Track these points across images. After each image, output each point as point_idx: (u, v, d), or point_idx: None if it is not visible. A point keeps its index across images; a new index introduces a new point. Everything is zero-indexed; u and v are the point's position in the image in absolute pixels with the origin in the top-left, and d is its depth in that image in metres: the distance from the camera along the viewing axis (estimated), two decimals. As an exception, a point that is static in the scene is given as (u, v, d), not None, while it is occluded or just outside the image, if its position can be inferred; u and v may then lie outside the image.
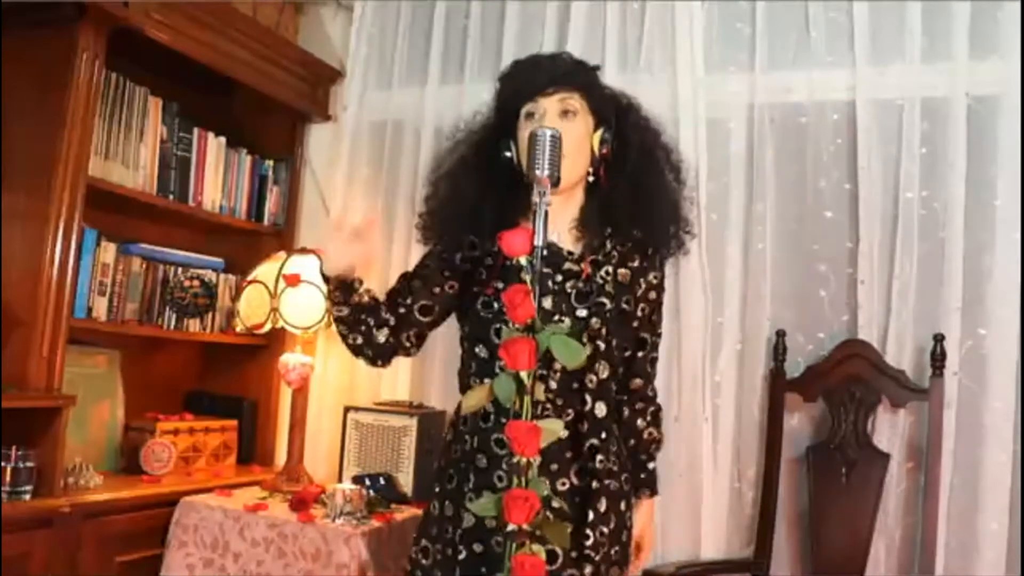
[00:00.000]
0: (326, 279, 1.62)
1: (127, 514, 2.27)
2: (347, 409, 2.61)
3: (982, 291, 2.22)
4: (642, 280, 1.64)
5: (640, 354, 1.69)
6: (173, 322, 2.65)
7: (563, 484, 1.53)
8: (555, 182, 1.40)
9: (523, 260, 1.29)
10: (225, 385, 2.92)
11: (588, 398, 1.54)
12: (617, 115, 1.64)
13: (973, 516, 2.17)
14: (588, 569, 1.50)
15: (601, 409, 1.56)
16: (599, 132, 1.60)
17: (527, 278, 1.27)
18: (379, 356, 1.64)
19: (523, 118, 1.57)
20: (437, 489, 1.62)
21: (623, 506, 1.60)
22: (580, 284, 1.56)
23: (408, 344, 1.64)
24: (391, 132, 2.90)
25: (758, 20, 2.45)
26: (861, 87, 2.33)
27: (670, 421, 2.30)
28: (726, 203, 2.48)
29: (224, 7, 2.59)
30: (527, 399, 1.25)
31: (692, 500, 2.40)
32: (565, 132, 1.45)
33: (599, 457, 1.54)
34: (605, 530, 1.54)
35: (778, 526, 2.32)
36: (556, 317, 1.52)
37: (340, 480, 2.53)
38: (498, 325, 1.50)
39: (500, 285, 1.53)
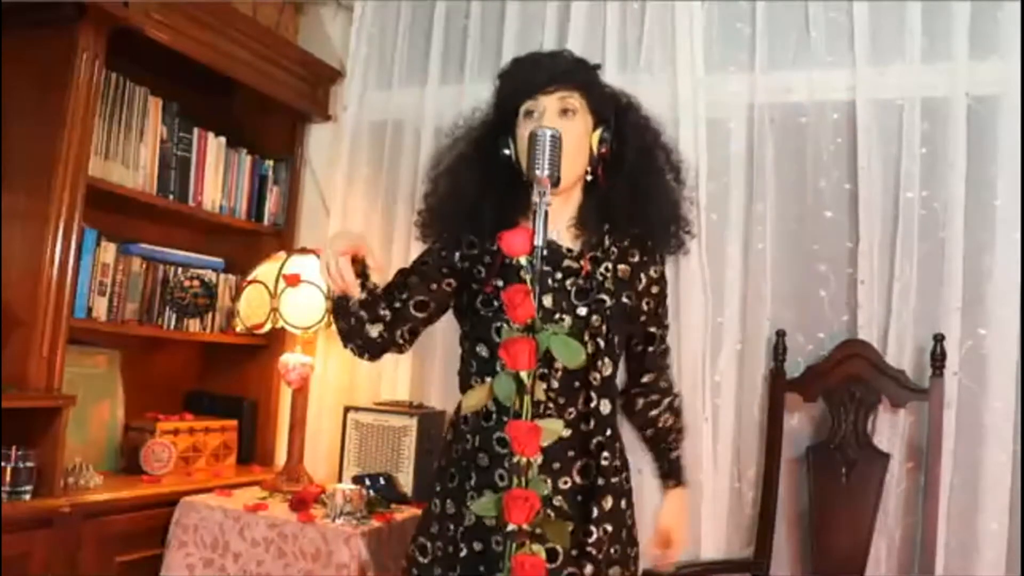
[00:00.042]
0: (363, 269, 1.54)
1: (127, 514, 2.27)
2: (347, 409, 2.61)
3: (982, 291, 2.22)
4: (643, 275, 1.64)
5: (650, 349, 1.70)
6: (173, 322, 2.65)
7: (565, 483, 1.53)
8: (555, 182, 1.40)
9: (523, 260, 1.29)
10: (225, 385, 2.93)
11: (593, 395, 1.54)
12: (616, 114, 1.64)
13: (973, 516, 2.17)
14: (588, 568, 1.50)
15: (606, 406, 1.56)
16: (598, 131, 1.60)
17: (527, 278, 1.27)
18: (368, 350, 1.62)
19: (522, 116, 1.57)
20: (438, 488, 1.62)
21: (624, 504, 1.60)
22: (580, 281, 1.56)
23: (401, 340, 1.63)
24: (391, 132, 2.90)
25: (758, 20, 2.45)
26: (861, 87, 2.33)
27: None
28: (726, 203, 2.48)
29: (224, 7, 2.59)
30: (527, 399, 1.25)
31: (692, 500, 2.38)
32: (564, 131, 1.45)
33: (605, 454, 1.54)
34: (609, 528, 1.54)
35: (778, 526, 2.32)
36: (556, 315, 1.52)
37: (340, 480, 2.53)
38: (499, 323, 1.49)
39: (500, 283, 1.53)
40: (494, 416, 1.52)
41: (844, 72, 2.37)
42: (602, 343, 1.54)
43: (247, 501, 2.31)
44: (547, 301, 1.50)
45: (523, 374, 1.25)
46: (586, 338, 1.51)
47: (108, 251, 2.44)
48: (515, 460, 1.24)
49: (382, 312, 1.58)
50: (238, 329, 2.66)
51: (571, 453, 1.53)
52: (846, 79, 2.36)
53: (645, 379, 1.72)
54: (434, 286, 1.62)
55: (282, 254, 2.65)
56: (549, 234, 1.42)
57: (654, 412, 1.73)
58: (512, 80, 1.61)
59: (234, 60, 2.63)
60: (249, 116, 2.99)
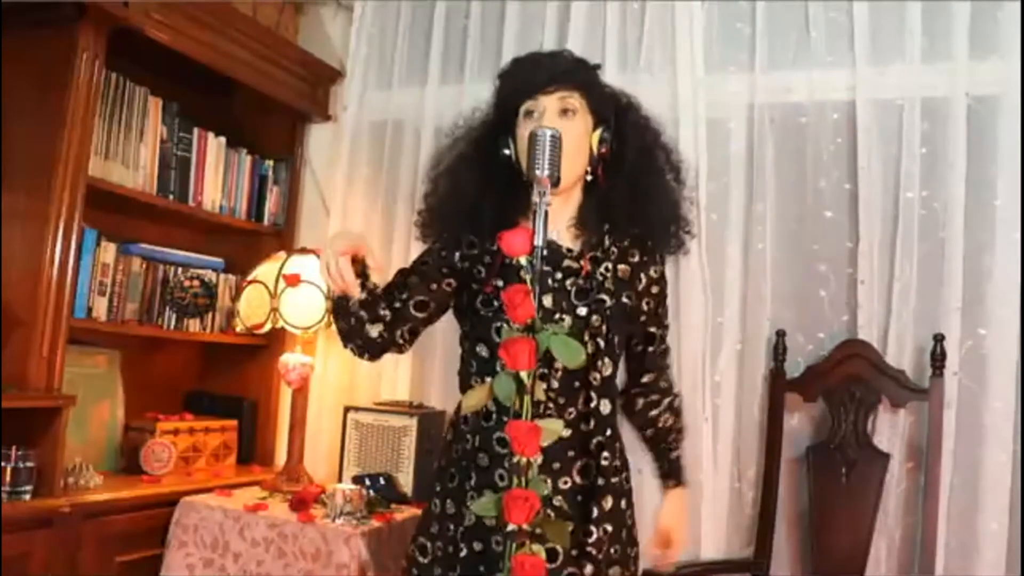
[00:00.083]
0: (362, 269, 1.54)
1: (127, 514, 2.27)
2: (347, 409, 2.61)
3: (982, 291, 2.22)
4: (643, 275, 1.64)
5: (650, 349, 1.70)
6: (173, 322, 2.65)
7: (565, 483, 1.53)
8: (555, 182, 1.40)
9: (523, 260, 1.29)
10: (225, 385, 2.93)
11: (593, 395, 1.54)
12: (616, 114, 1.64)
13: (973, 516, 2.17)
14: (588, 568, 1.50)
15: (606, 406, 1.56)
16: (598, 131, 1.59)
17: (527, 278, 1.27)
18: (368, 350, 1.62)
19: (522, 116, 1.57)
20: (438, 488, 1.62)
21: (623, 504, 1.60)
22: (580, 281, 1.56)
23: (401, 340, 1.62)
24: (391, 132, 2.90)
25: (758, 20, 2.45)
26: (861, 87, 2.33)
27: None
28: (726, 203, 2.48)
29: (224, 7, 2.59)
30: (527, 399, 1.25)
31: (692, 500, 2.38)
32: (564, 131, 1.45)
33: (605, 454, 1.54)
34: (609, 528, 1.54)
35: (778, 526, 2.32)
36: (556, 315, 1.52)
37: (340, 480, 2.53)
38: (499, 323, 1.49)
39: (500, 283, 1.53)
40: (494, 416, 1.52)
41: (844, 72, 2.37)
42: (602, 343, 1.54)
43: (247, 501, 2.31)
44: (547, 301, 1.50)
45: (523, 374, 1.25)
46: (586, 338, 1.51)
47: (108, 251, 2.44)
48: (515, 460, 1.24)
49: (382, 312, 1.58)
50: (238, 329, 2.66)
51: (571, 453, 1.53)
52: (846, 79, 2.36)
53: (645, 379, 1.72)
54: (434, 286, 1.62)
55: (282, 254, 2.65)
56: (549, 234, 1.42)
57: (654, 412, 1.74)
58: (512, 80, 1.61)
59: (234, 60, 2.63)
60: (249, 116, 2.99)
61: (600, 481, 1.53)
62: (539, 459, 1.25)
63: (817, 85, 2.40)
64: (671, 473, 1.77)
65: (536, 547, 1.25)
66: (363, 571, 2.08)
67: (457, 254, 1.63)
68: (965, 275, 2.22)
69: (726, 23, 2.52)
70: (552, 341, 1.28)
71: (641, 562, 1.67)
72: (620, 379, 1.71)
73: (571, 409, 1.54)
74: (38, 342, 2.13)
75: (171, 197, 2.61)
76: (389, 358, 1.94)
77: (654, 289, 1.66)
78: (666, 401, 1.75)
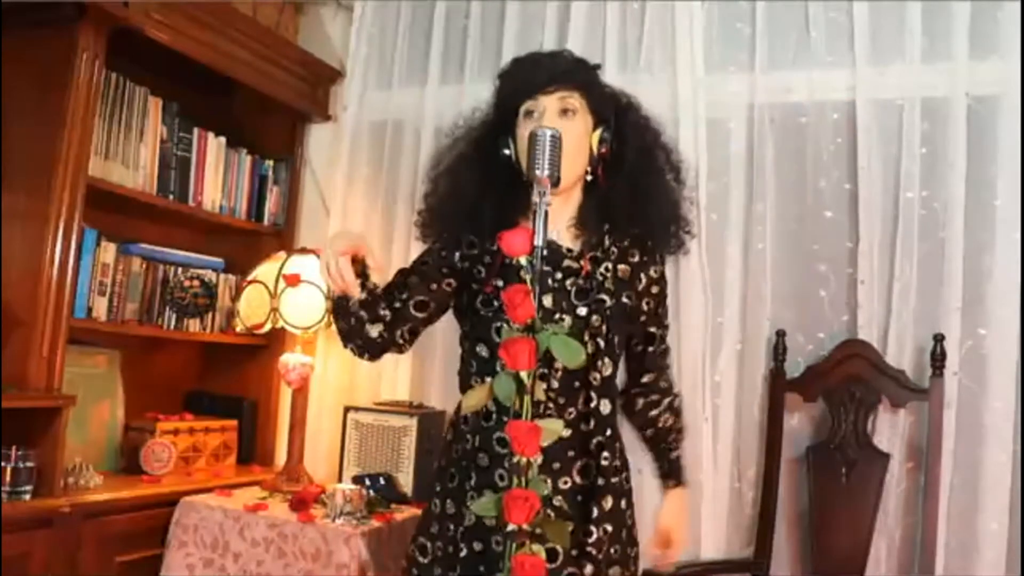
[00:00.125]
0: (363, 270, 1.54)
1: (127, 514, 2.27)
2: (347, 409, 2.61)
3: (982, 291, 2.22)
4: (643, 275, 1.64)
5: (650, 349, 1.70)
6: (173, 322, 2.65)
7: (565, 483, 1.53)
8: (555, 182, 1.40)
9: (523, 260, 1.29)
10: (225, 385, 2.93)
11: (593, 395, 1.54)
12: (616, 114, 1.64)
13: (973, 516, 2.17)
14: (588, 568, 1.50)
15: (606, 406, 1.56)
16: (598, 131, 1.59)
17: (527, 278, 1.27)
18: (368, 350, 1.62)
19: (522, 116, 1.57)
20: (438, 488, 1.62)
21: (623, 504, 1.60)
22: (580, 281, 1.56)
23: (401, 341, 1.62)
24: (391, 132, 2.90)
25: (758, 20, 2.45)
26: (861, 87, 2.33)
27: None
28: (726, 203, 2.48)
29: (224, 7, 2.59)
30: (527, 399, 1.25)
31: (692, 500, 2.38)
32: (564, 131, 1.45)
33: (605, 454, 1.54)
34: (609, 528, 1.54)
35: (778, 526, 2.32)
36: (556, 315, 1.52)
37: (340, 480, 2.53)
38: (499, 323, 1.49)
39: (500, 283, 1.53)
40: (494, 416, 1.52)
41: (844, 72, 2.37)
42: (602, 343, 1.54)
43: (247, 501, 2.31)
44: (547, 301, 1.50)
45: (523, 374, 1.25)
46: (586, 338, 1.51)
47: (108, 251, 2.44)
48: (515, 460, 1.24)
49: (382, 312, 1.58)
50: (238, 329, 2.66)
51: (571, 453, 1.53)
52: (846, 79, 2.36)
53: (645, 379, 1.73)
54: (434, 286, 1.62)
55: (282, 254, 2.65)
56: (549, 234, 1.42)
57: (654, 412, 1.74)
58: (512, 80, 1.61)
59: (234, 60, 2.63)
60: (249, 116, 2.99)
61: (600, 481, 1.53)
62: (539, 459, 1.25)
63: (817, 85, 2.40)
64: (671, 473, 1.77)
65: (536, 547, 1.25)
66: (363, 571, 2.08)
67: (457, 254, 1.63)
68: (965, 275, 2.22)
69: (726, 23, 2.52)
70: (552, 341, 1.28)
71: (641, 562, 1.67)
72: (620, 379, 1.70)
73: (571, 409, 1.54)
74: (38, 342, 2.13)
75: (171, 197, 2.61)
76: (389, 358, 1.94)
77: (654, 289, 1.66)
78: (666, 401, 1.75)
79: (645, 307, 1.65)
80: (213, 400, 2.89)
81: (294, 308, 2.49)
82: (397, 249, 2.78)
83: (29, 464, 2.05)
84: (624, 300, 1.59)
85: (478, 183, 1.60)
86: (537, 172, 1.37)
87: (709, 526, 2.38)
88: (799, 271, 2.41)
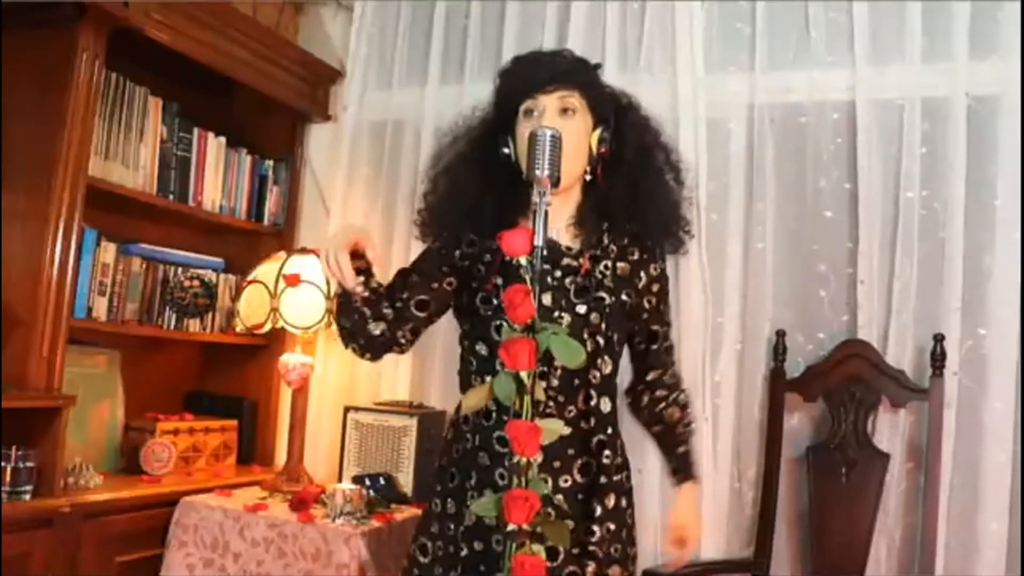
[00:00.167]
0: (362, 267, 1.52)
1: (127, 514, 2.27)
2: (347, 409, 2.61)
3: (982, 291, 2.22)
4: (643, 273, 1.64)
5: (653, 346, 1.69)
6: (173, 322, 2.65)
7: (566, 481, 1.53)
8: (555, 182, 1.40)
9: (523, 260, 1.29)
10: (225, 385, 2.93)
11: (593, 394, 1.54)
12: (616, 114, 1.64)
13: (973, 516, 2.17)
14: (590, 567, 1.50)
15: (606, 404, 1.56)
16: (598, 131, 1.60)
17: (527, 277, 1.27)
18: (370, 349, 1.61)
19: (522, 115, 1.57)
20: (438, 487, 1.62)
21: (624, 503, 1.60)
22: (579, 279, 1.56)
23: (403, 340, 1.62)
24: (391, 132, 2.90)
25: (758, 20, 2.45)
26: (861, 87, 2.33)
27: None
28: (726, 203, 2.48)
29: (224, 7, 2.59)
30: (527, 399, 1.25)
31: (692, 500, 2.40)
32: (564, 130, 1.45)
33: (606, 452, 1.54)
34: (612, 526, 1.54)
35: (778, 526, 2.32)
36: (555, 313, 1.52)
37: (340, 480, 2.53)
38: (498, 322, 1.49)
39: (499, 281, 1.53)
40: (494, 415, 1.52)
41: (844, 72, 2.37)
42: (601, 341, 1.54)
43: (247, 501, 2.31)
44: (546, 299, 1.50)
45: (523, 374, 1.25)
46: (585, 336, 1.51)
47: (108, 251, 2.44)
48: (515, 460, 1.24)
49: (385, 310, 1.58)
50: (238, 329, 2.66)
51: (571, 451, 1.53)
52: (846, 79, 2.36)
53: (650, 376, 1.72)
54: (435, 285, 1.62)
55: (282, 254, 2.65)
56: (548, 233, 1.42)
57: (660, 407, 1.72)
58: (512, 79, 1.61)
59: (234, 60, 2.63)
60: (249, 116, 2.99)
61: (602, 479, 1.53)
62: (539, 458, 1.25)
63: (817, 85, 2.40)
64: (681, 468, 1.74)
65: (536, 547, 1.25)
66: (363, 571, 2.08)
67: (457, 253, 1.63)
68: (965, 275, 2.22)
69: (726, 23, 2.52)
70: (552, 341, 1.28)
71: (640, 562, 1.67)
72: (625, 377, 1.71)
73: (571, 407, 1.54)
74: (38, 342, 2.13)
75: (171, 197, 2.61)
76: (389, 358, 1.93)
77: (655, 287, 1.66)
78: (672, 396, 1.73)
79: (647, 305, 1.65)
80: (213, 400, 2.89)
81: (294, 308, 2.49)
82: (397, 249, 2.78)
83: (29, 464, 2.05)
84: (624, 298, 1.59)
85: (477, 182, 1.61)
86: (537, 172, 1.37)
87: (709, 526, 2.37)
88: (799, 271, 2.41)
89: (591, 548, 1.50)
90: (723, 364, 2.43)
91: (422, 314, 1.62)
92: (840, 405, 2.29)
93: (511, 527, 1.22)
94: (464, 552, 1.53)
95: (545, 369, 1.49)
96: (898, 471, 2.26)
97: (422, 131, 2.79)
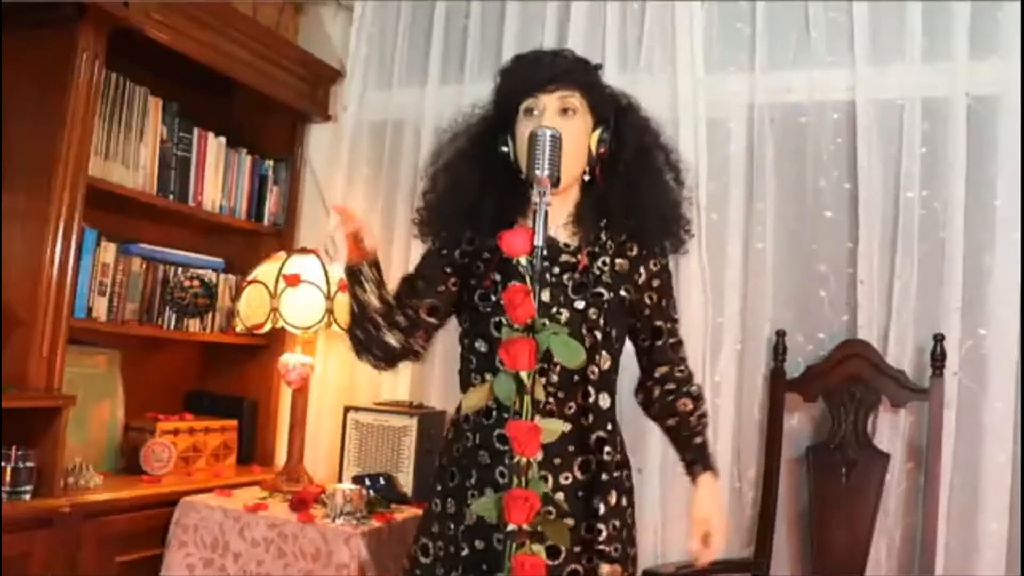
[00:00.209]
0: (355, 272, 1.50)
1: (127, 514, 2.27)
2: (347, 409, 2.61)
3: (982, 291, 2.22)
4: (642, 268, 1.63)
5: (658, 343, 1.68)
6: (173, 322, 2.65)
7: (566, 478, 1.53)
8: (555, 182, 1.40)
9: (523, 260, 1.29)
10: (225, 385, 2.93)
11: (591, 390, 1.53)
12: (616, 115, 1.64)
13: (973, 516, 2.17)
14: (605, 568, 1.49)
15: (605, 400, 1.55)
16: (597, 131, 1.60)
17: (527, 277, 1.27)
18: (386, 358, 1.59)
19: (522, 114, 1.57)
20: (439, 487, 1.62)
21: (624, 502, 1.59)
22: (577, 276, 1.56)
23: (418, 348, 1.60)
24: (391, 132, 2.90)
25: (758, 20, 2.45)
26: (861, 87, 2.33)
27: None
28: (726, 203, 2.48)
29: (224, 7, 2.59)
30: (527, 398, 1.25)
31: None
32: (564, 130, 1.46)
33: (607, 449, 1.54)
34: (617, 523, 1.53)
35: (778, 526, 2.32)
36: (554, 309, 1.51)
37: (340, 480, 2.53)
38: (497, 318, 1.49)
39: (498, 278, 1.53)
40: (494, 414, 1.52)
41: (844, 72, 2.37)
42: (600, 337, 1.53)
43: (247, 501, 2.31)
44: (544, 296, 1.49)
45: (523, 374, 1.25)
46: (584, 332, 1.51)
47: (108, 251, 2.44)
48: (515, 460, 1.24)
49: (398, 319, 1.55)
50: (238, 329, 2.66)
51: (571, 448, 1.53)
52: (846, 79, 2.36)
53: (659, 372, 1.69)
54: (441, 288, 1.62)
55: (282, 254, 2.65)
56: (547, 231, 1.41)
57: (671, 398, 1.68)
58: (513, 78, 1.61)
59: (234, 60, 2.63)
60: (249, 116, 2.99)
61: (603, 476, 1.53)
62: (539, 456, 1.25)
63: (817, 85, 2.40)
64: (699, 459, 1.65)
65: (536, 547, 1.25)
66: (363, 571, 2.08)
67: (457, 252, 1.63)
68: (965, 275, 2.22)
69: (726, 23, 2.52)
70: (552, 341, 1.28)
71: (640, 562, 1.67)
72: (635, 375, 1.70)
73: (571, 404, 1.54)
74: (38, 342, 2.13)
75: (171, 197, 2.61)
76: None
77: (655, 283, 1.65)
78: (684, 388, 1.69)
79: (648, 301, 1.64)
80: (213, 400, 2.89)
81: (294, 308, 2.49)
82: (397, 249, 2.78)
83: (29, 464, 2.05)
84: (623, 294, 1.59)
85: (477, 180, 1.61)
86: (537, 172, 1.37)
87: (709, 526, 2.37)
88: (799, 271, 2.41)
89: (600, 547, 1.49)
90: (723, 364, 2.43)
91: (434, 320, 1.61)
92: (840, 405, 2.29)
93: (511, 527, 1.22)
94: (465, 551, 1.52)
95: (545, 366, 1.48)
96: (898, 471, 2.26)
97: (422, 131, 2.79)
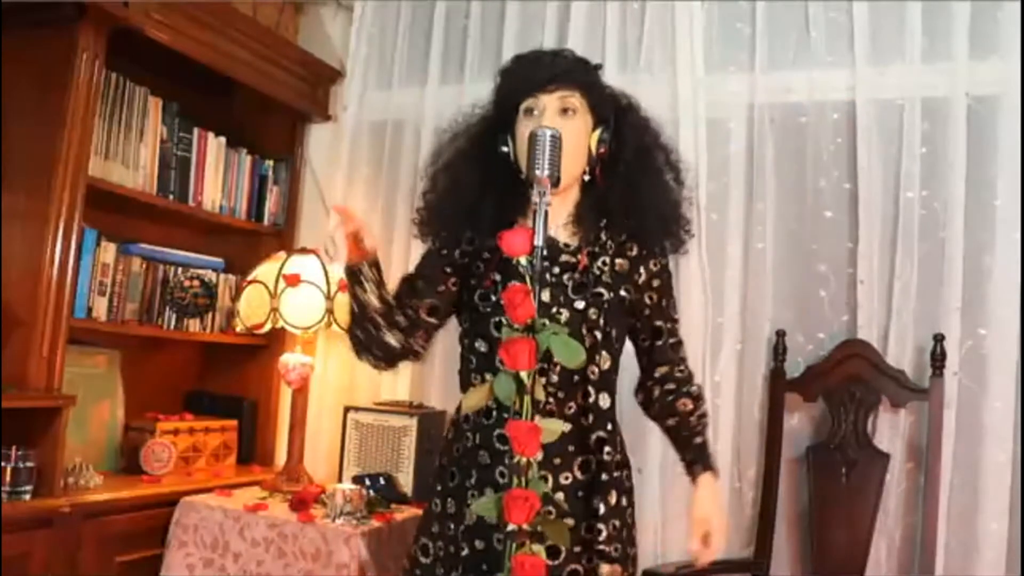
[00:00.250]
0: (355, 272, 1.50)
1: (127, 514, 2.27)
2: (347, 409, 2.61)
3: (982, 291, 2.22)
4: (642, 268, 1.63)
5: (658, 343, 1.68)
6: (173, 322, 2.65)
7: (566, 478, 1.53)
8: (555, 182, 1.40)
9: (523, 260, 1.29)
10: (225, 385, 2.93)
11: (591, 390, 1.53)
12: (616, 115, 1.64)
13: (973, 516, 2.17)
14: (605, 568, 1.49)
15: (605, 400, 1.55)
16: (597, 132, 1.60)
17: (527, 277, 1.27)
18: (386, 358, 1.59)
19: (522, 114, 1.57)
20: (439, 487, 1.62)
21: (624, 502, 1.59)
22: (577, 276, 1.56)
23: (418, 348, 1.60)
24: (391, 132, 2.90)
25: (758, 20, 2.45)
26: (861, 87, 2.33)
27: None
28: (726, 203, 2.48)
29: (224, 7, 2.59)
30: (527, 398, 1.25)
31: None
32: (564, 130, 1.46)
33: (607, 449, 1.54)
34: (617, 523, 1.53)
35: (778, 526, 2.32)
36: (554, 309, 1.51)
37: (340, 480, 2.53)
38: (497, 318, 1.49)
39: (498, 278, 1.53)
40: (494, 414, 1.52)
41: (844, 72, 2.37)
42: (600, 336, 1.53)
43: (247, 501, 2.31)
44: (544, 296, 1.49)
45: (523, 374, 1.25)
46: (584, 332, 1.51)
47: (108, 251, 2.44)
48: (515, 460, 1.24)
49: (398, 318, 1.55)
50: (238, 329, 2.66)
51: (571, 448, 1.53)
52: (846, 79, 2.36)
53: (659, 373, 1.69)
54: (441, 288, 1.62)
55: (282, 254, 2.65)
56: (547, 231, 1.41)
57: (671, 398, 1.68)
58: (513, 77, 1.61)
59: (234, 60, 2.63)
60: (249, 116, 2.99)
61: (603, 476, 1.53)
62: (539, 456, 1.25)
63: (817, 85, 2.40)
64: (699, 459, 1.65)
65: (536, 547, 1.25)
66: (363, 571, 2.08)
67: (457, 252, 1.63)
68: (965, 275, 2.22)
69: (726, 23, 2.52)
70: (552, 341, 1.28)
71: (640, 562, 1.67)
72: (635, 375, 1.70)
73: (571, 404, 1.54)
74: (38, 342, 2.13)
75: (171, 197, 2.61)
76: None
77: (655, 283, 1.65)
78: (684, 388, 1.69)
79: (648, 300, 1.64)
80: (213, 400, 2.89)
81: (294, 308, 2.49)
82: (397, 249, 2.78)
83: (29, 464, 2.05)
84: (623, 294, 1.59)
85: (477, 180, 1.61)
86: (537, 172, 1.37)
87: (709, 526, 2.37)
88: (799, 271, 2.41)
89: (600, 547, 1.50)
90: (723, 364, 2.43)
91: (434, 320, 1.61)
92: (840, 405, 2.29)
93: (511, 527, 1.22)
94: (465, 551, 1.52)
95: (545, 366, 1.48)
96: (898, 471, 2.26)
97: (422, 131, 2.79)
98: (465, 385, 1.60)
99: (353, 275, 1.50)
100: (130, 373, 2.66)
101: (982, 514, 2.16)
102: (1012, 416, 2.16)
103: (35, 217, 2.16)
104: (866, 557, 2.20)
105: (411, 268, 1.72)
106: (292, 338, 2.60)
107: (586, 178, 1.61)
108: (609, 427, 1.56)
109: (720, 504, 1.74)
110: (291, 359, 2.54)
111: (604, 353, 1.55)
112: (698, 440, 1.67)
